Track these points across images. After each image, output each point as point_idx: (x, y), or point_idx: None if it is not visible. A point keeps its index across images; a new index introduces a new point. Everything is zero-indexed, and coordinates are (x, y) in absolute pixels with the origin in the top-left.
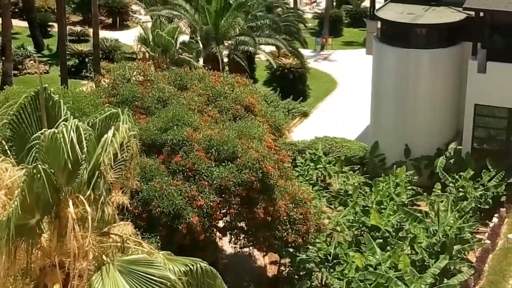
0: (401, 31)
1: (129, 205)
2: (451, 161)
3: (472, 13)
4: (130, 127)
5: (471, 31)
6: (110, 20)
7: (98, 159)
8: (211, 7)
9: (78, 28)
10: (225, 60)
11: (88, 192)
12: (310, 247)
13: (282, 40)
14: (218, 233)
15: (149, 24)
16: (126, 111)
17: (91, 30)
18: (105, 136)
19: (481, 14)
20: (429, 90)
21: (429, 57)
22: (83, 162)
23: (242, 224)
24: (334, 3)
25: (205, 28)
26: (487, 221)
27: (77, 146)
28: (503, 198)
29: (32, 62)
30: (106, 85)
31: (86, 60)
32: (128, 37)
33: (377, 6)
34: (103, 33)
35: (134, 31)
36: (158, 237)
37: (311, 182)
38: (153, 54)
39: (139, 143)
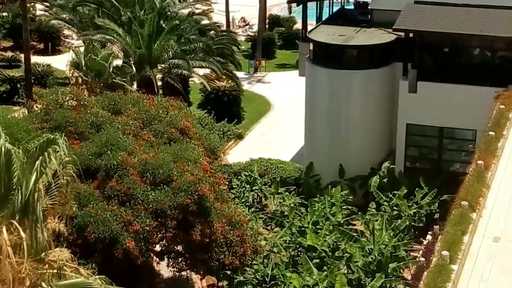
0: (332, 52)
1: (65, 231)
2: (385, 180)
3: (402, 34)
4: (66, 152)
5: (402, 51)
6: (42, 45)
7: (33, 184)
8: (144, 31)
9: (9, 54)
10: (159, 83)
11: (22, 218)
12: (248, 269)
13: (216, 63)
14: (155, 257)
15: (82, 49)
16: (62, 137)
17: (22, 56)
18: (38, 161)
19: (411, 35)
20: (362, 110)
21: (361, 78)
22: (14, 187)
23: (179, 247)
24: (267, 26)
25: (139, 52)
26: (421, 238)
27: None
28: (437, 216)
29: None
30: (39, 111)
31: (18, 85)
32: (60, 62)
33: (309, 28)
34: (35, 58)
35: (66, 56)
36: (94, 263)
37: (247, 204)
38: (86, 78)
39: (73, 168)
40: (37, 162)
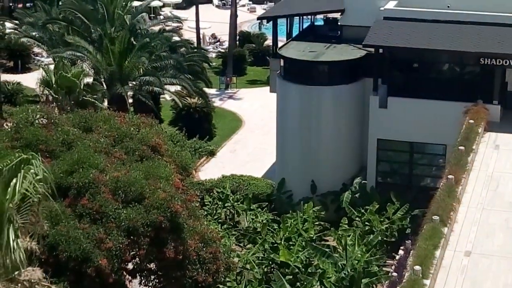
0: (303, 68)
1: (37, 250)
2: (357, 195)
3: (372, 49)
4: (41, 173)
5: (372, 67)
6: (11, 63)
7: (5, 204)
8: (115, 48)
9: None
10: (130, 100)
11: None
12: (221, 286)
13: (187, 80)
14: (127, 275)
15: (52, 67)
16: (38, 157)
17: None
18: (13, 182)
19: (381, 50)
20: (333, 126)
21: (332, 93)
22: None
23: (152, 265)
24: (237, 42)
25: (109, 69)
26: (393, 253)
27: None
28: (408, 230)
29: None
30: (9, 129)
31: None
32: (30, 80)
33: (280, 44)
34: (5, 77)
35: (36, 73)
36: (66, 282)
37: (220, 220)
38: (56, 96)
39: (45, 187)
40: (12, 183)
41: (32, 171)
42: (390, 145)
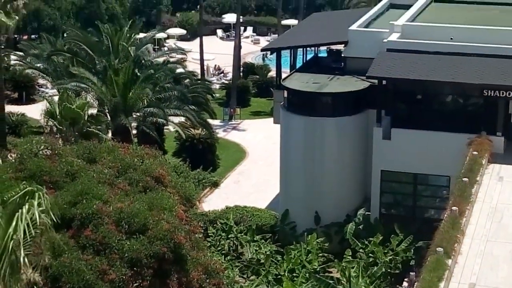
0: (307, 100)
1: (40, 282)
2: (360, 227)
3: (375, 81)
4: (45, 205)
5: (375, 99)
6: (16, 95)
7: (9, 236)
8: (119, 79)
9: None
10: (134, 131)
11: None
12: None
13: (191, 111)
14: None
15: (56, 98)
16: (43, 190)
17: None
18: (18, 214)
19: (384, 82)
20: (336, 157)
21: (335, 125)
22: None
23: None
24: (241, 74)
25: (114, 100)
26: (397, 285)
27: None
28: (412, 262)
29: None
30: (13, 160)
31: None
32: (35, 111)
33: (283, 75)
34: (9, 108)
35: (41, 105)
36: None
37: (223, 252)
38: (60, 127)
39: (47, 218)
40: (17, 215)
41: (36, 203)
42: (393, 177)
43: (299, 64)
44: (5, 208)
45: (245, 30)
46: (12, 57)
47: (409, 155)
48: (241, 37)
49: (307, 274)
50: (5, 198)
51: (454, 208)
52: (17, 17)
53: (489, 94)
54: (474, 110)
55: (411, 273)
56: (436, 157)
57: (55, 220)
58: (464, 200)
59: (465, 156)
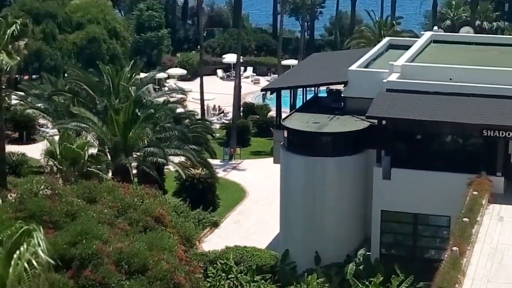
0: (307, 139)
1: None
2: (361, 267)
3: (375, 121)
4: (43, 244)
5: (375, 138)
6: (16, 134)
7: (7, 275)
8: (119, 119)
9: None
10: (134, 171)
11: None
12: None
13: (191, 151)
14: None
15: (57, 138)
16: (39, 229)
17: None
18: (16, 255)
19: (384, 122)
20: (336, 197)
21: (335, 164)
22: None
23: None
24: (241, 113)
25: (114, 140)
26: None
27: None
28: None
29: None
30: (13, 200)
31: None
32: (35, 151)
33: (283, 115)
34: (10, 148)
35: (41, 144)
36: None
37: None
38: (61, 167)
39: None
40: (15, 256)
41: (33, 242)
42: (394, 217)
43: (299, 104)
44: (2, 247)
45: (245, 70)
46: (13, 97)
47: (409, 195)
48: (241, 77)
49: None
50: (2, 237)
51: (454, 248)
52: (18, 58)
53: (488, 134)
54: (474, 150)
55: None
56: (436, 197)
57: (51, 261)
58: (465, 240)
59: (465, 196)
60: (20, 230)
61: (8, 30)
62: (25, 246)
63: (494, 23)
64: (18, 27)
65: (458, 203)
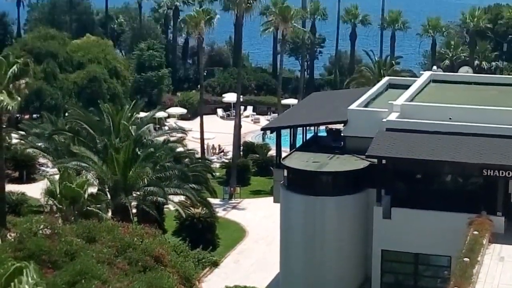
0: (307, 179)
1: None
2: None
3: (375, 160)
4: (38, 283)
5: (375, 178)
6: (16, 174)
7: None
8: (119, 158)
9: None
10: (134, 210)
11: None
12: None
13: (191, 190)
14: None
15: (57, 177)
16: (31, 265)
17: None
18: None
19: (384, 161)
20: (337, 236)
21: (335, 204)
22: None
23: None
24: (241, 153)
25: (114, 179)
26: None
27: None
28: None
29: None
30: (12, 240)
31: None
32: (35, 190)
33: (283, 154)
34: (9, 187)
35: (41, 184)
36: None
37: None
38: (60, 206)
39: None
40: None
41: (24, 279)
42: (394, 256)
43: (299, 143)
44: None
45: (245, 109)
46: (14, 136)
47: (410, 234)
48: (241, 116)
49: None
50: None
51: None
52: (19, 98)
53: (488, 174)
54: (474, 190)
55: None
56: (436, 237)
57: None
58: (465, 280)
59: (465, 236)
60: (12, 267)
61: (9, 70)
62: (16, 282)
63: (493, 63)
64: (19, 67)
65: (459, 243)
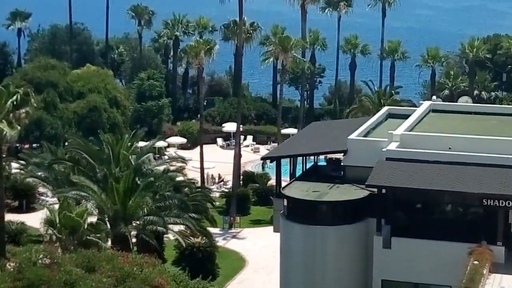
0: (306, 208)
1: None
2: None
3: (375, 190)
4: None
5: (375, 207)
6: (16, 203)
7: None
8: (119, 187)
9: None
10: (134, 240)
11: None
12: None
13: (191, 220)
14: None
15: (56, 206)
16: None
17: None
18: None
19: (384, 190)
20: (337, 266)
21: (335, 233)
22: None
23: None
24: (241, 182)
25: (114, 208)
26: None
27: None
28: None
29: None
30: (12, 269)
31: None
32: (34, 220)
33: (283, 184)
34: (9, 216)
35: (41, 213)
36: None
37: None
38: (60, 236)
39: None
40: None
41: None
42: (394, 286)
43: (298, 172)
44: None
45: (245, 138)
46: (14, 165)
47: (410, 264)
48: (241, 146)
49: None
50: None
51: None
52: (19, 127)
53: (489, 204)
54: (474, 220)
55: None
56: (437, 267)
57: None
58: None
59: (466, 265)
60: None
61: (10, 100)
62: None
63: (493, 93)
64: (20, 97)
65: (459, 273)
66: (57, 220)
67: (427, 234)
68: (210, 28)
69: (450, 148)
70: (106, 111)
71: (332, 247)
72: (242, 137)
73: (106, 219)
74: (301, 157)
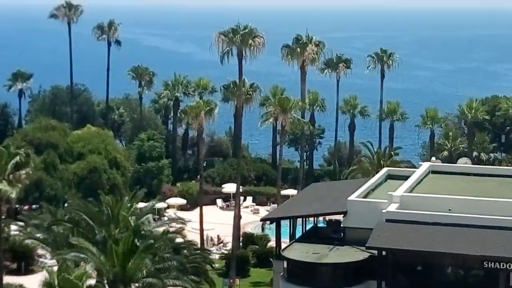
0: (306, 270)
1: None
2: None
3: (375, 252)
4: None
5: (375, 269)
6: (15, 265)
7: None
8: (118, 249)
9: None
10: None
11: None
12: None
13: (190, 282)
14: None
15: (55, 268)
16: None
17: None
18: None
19: (384, 253)
20: None
21: None
22: None
23: None
24: (241, 244)
25: (113, 271)
26: None
27: None
28: None
29: None
30: None
31: None
32: (33, 282)
33: (283, 246)
34: (7, 279)
35: (40, 275)
36: None
37: None
38: None
39: None
40: None
41: None
42: None
43: (298, 234)
44: None
45: (244, 199)
46: (13, 227)
47: None
48: (241, 207)
49: None
50: None
51: None
52: (20, 185)
53: (489, 266)
54: (475, 282)
55: None
56: None
57: None
58: None
59: None
60: None
61: (11, 161)
62: None
63: (491, 154)
64: (19, 158)
65: None
66: (56, 283)
67: None
68: (210, 89)
69: (450, 209)
70: (106, 172)
71: None
72: (241, 198)
73: (105, 281)
74: (301, 219)
